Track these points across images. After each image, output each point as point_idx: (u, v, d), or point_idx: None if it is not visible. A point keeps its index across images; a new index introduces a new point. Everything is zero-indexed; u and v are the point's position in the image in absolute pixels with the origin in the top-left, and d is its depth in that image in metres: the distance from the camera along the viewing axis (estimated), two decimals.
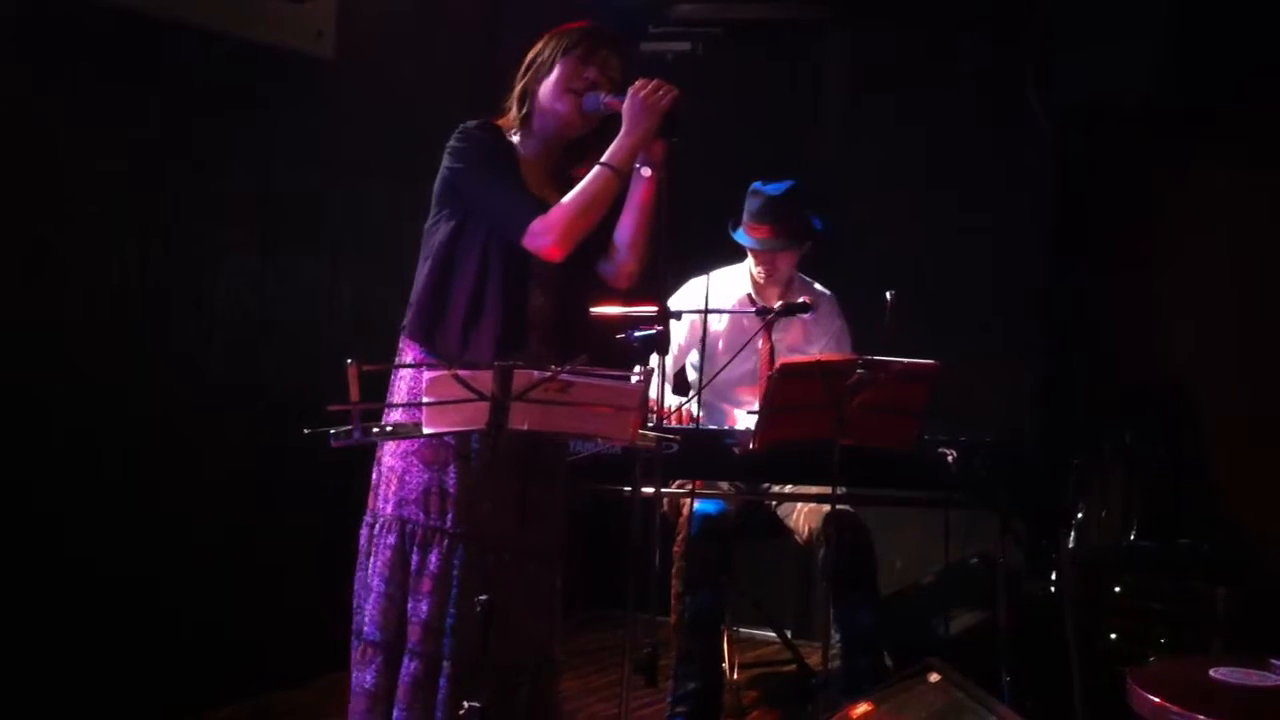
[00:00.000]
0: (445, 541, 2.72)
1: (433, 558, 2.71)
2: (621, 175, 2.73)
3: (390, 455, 2.79)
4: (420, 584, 2.71)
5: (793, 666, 4.55)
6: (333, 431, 2.28)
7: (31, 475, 3.43)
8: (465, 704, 2.46)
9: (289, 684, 4.08)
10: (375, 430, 2.37)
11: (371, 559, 2.79)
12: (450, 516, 2.73)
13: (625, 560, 2.86)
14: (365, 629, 2.76)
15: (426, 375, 2.40)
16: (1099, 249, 4.87)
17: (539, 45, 2.87)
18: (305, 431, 2.27)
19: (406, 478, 2.75)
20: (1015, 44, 4.71)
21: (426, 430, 2.41)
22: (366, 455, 2.81)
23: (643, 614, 2.97)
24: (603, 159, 2.72)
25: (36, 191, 3.43)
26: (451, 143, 2.80)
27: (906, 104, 4.99)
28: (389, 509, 2.77)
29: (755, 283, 4.07)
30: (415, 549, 2.73)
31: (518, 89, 2.86)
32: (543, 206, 2.73)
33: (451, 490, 2.73)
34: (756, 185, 4.00)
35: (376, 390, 2.73)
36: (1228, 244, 4.59)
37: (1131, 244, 4.78)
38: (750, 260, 4.07)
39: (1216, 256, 4.61)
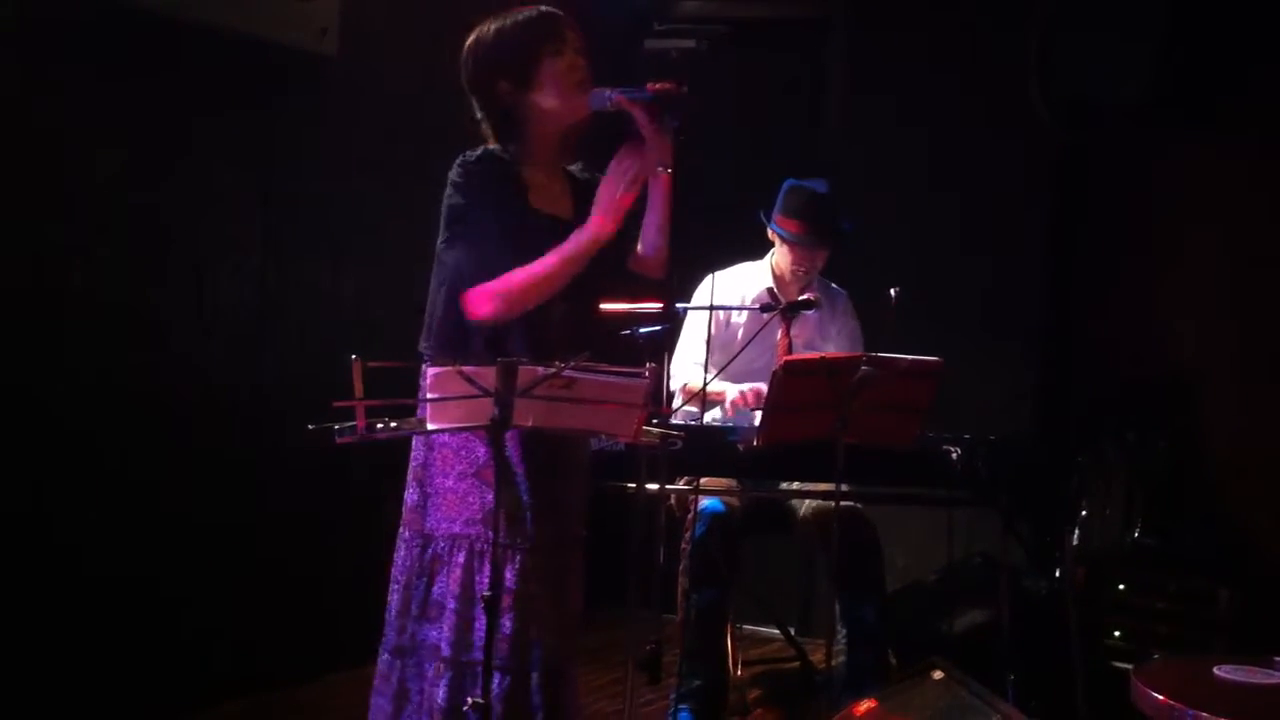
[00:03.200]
0: (518, 557, 2.72)
1: (508, 574, 2.71)
2: (579, 260, 2.70)
3: (447, 477, 2.78)
4: (500, 601, 2.70)
5: (796, 664, 4.54)
6: (336, 428, 2.27)
7: (32, 474, 3.43)
8: (469, 699, 2.47)
9: (292, 681, 4.08)
10: (379, 426, 2.36)
11: (433, 579, 2.77)
12: (517, 532, 2.73)
13: (629, 557, 2.86)
14: (441, 648, 2.73)
15: (431, 372, 2.39)
16: (1099, 245, 4.87)
17: (483, 48, 2.79)
18: (309, 428, 2.26)
19: (470, 498, 2.75)
20: (1015, 40, 4.71)
21: (430, 427, 2.41)
22: (370, 452, 2.80)
23: (646, 611, 2.96)
24: (561, 250, 2.68)
25: (37, 190, 3.43)
26: (453, 175, 2.75)
27: (908, 101, 4.99)
28: (456, 528, 2.75)
29: (778, 278, 4.12)
30: (485, 566, 2.71)
31: (496, 105, 2.79)
32: (552, 223, 2.72)
33: (510, 507, 2.72)
34: (797, 182, 4.04)
35: (380, 387, 2.73)
36: (1228, 239, 4.58)
37: (1132, 239, 4.78)
38: (777, 255, 4.12)
39: (1217, 251, 4.61)
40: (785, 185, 4.08)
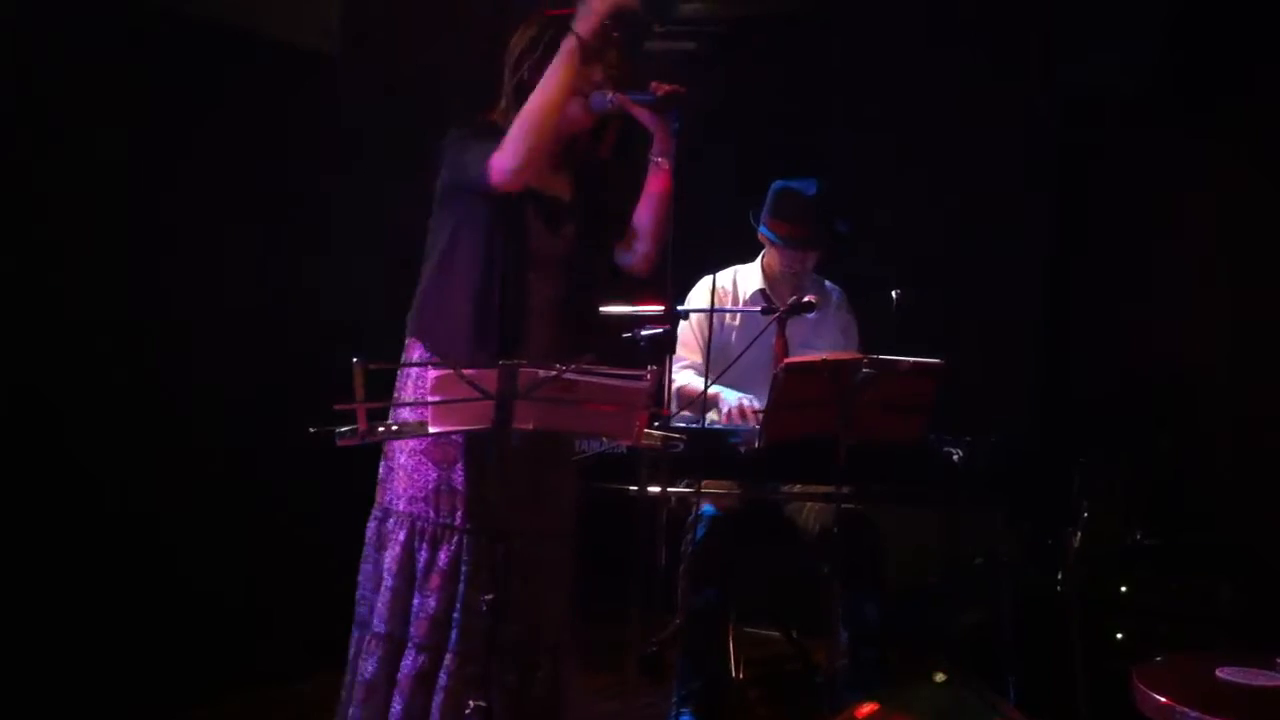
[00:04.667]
0: (455, 538, 2.74)
1: (442, 554, 2.74)
2: (570, 68, 2.68)
3: (401, 453, 2.81)
4: (429, 580, 2.74)
5: (798, 665, 4.54)
6: (338, 430, 2.28)
7: (35, 473, 3.43)
8: (471, 703, 2.47)
9: (291, 678, 4.08)
10: (381, 429, 2.36)
11: (383, 553, 2.81)
12: (460, 513, 2.75)
13: (631, 558, 2.86)
14: (373, 621, 2.78)
15: (432, 374, 2.40)
16: (1099, 245, 4.86)
17: (528, 34, 2.83)
18: (311, 430, 2.26)
19: (416, 475, 2.78)
20: (1018, 38, 4.70)
21: (432, 429, 2.42)
22: (368, 452, 2.81)
23: (648, 612, 2.97)
24: (553, 69, 2.67)
25: (39, 190, 3.43)
26: (446, 142, 2.80)
27: (909, 100, 4.98)
28: (400, 505, 2.79)
29: (769, 279, 4.11)
30: (424, 545, 2.75)
31: (512, 84, 2.83)
32: (543, 201, 2.72)
33: (460, 487, 2.75)
34: (785, 183, 4.03)
35: (382, 389, 2.73)
36: (1228, 238, 4.57)
37: (1132, 239, 4.77)
38: (767, 257, 4.11)
39: (1217, 251, 4.60)
40: (774, 187, 4.06)
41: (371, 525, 2.87)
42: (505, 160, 2.66)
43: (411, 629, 2.74)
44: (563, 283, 2.83)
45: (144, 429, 3.68)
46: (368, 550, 2.86)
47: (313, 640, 4.10)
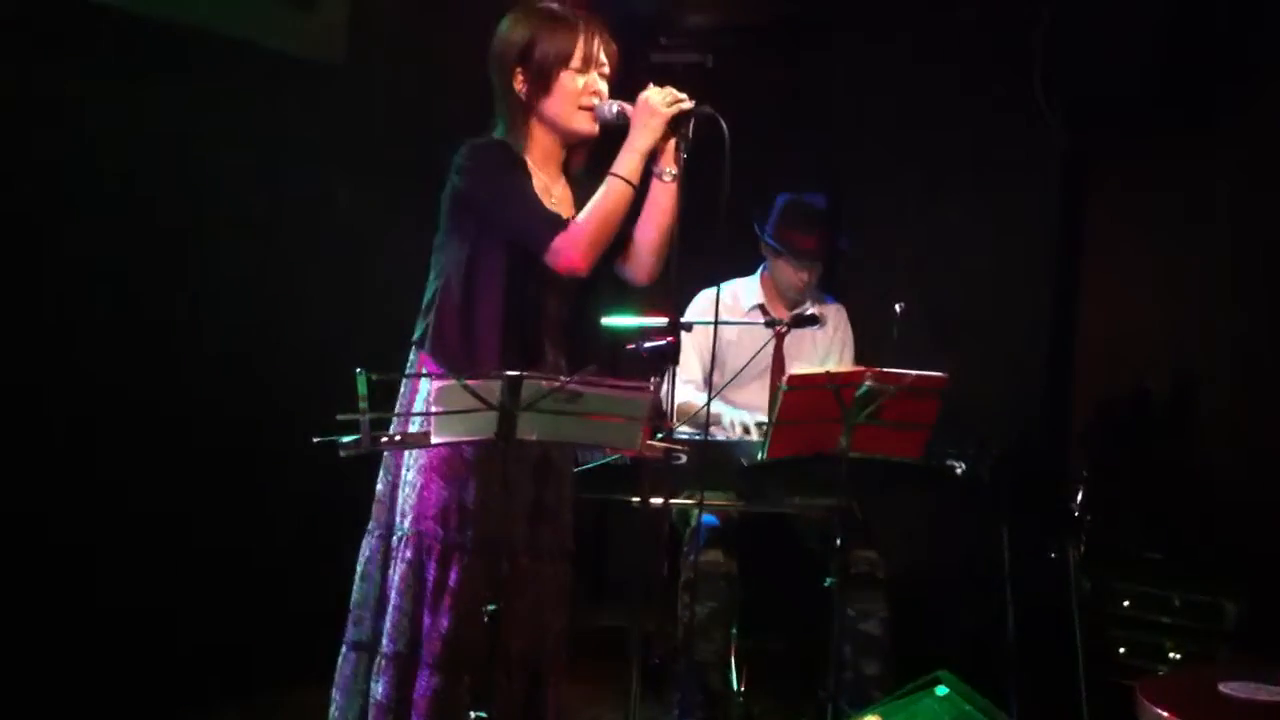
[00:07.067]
0: (465, 558, 2.70)
1: (452, 574, 2.70)
2: (634, 185, 2.72)
3: (408, 469, 2.77)
4: (441, 600, 2.69)
5: (800, 676, 4.53)
6: (342, 440, 2.27)
7: (32, 478, 3.44)
8: (473, 714, 2.46)
9: (293, 685, 4.07)
10: (384, 439, 2.36)
11: (390, 572, 2.76)
12: (470, 533, 2.71)
13: (632, 570, 2.86)
14: (383, 642, 2.73)
15: (435, 385, 2.39)
16: (1099, 245, 4.85)
17: (513, 41, 2.78)
18: (314, 440, 2.26)
19: (425, 493, 2.73)
20: (1018, 38, 4.69)
21: (435, 440, 2.40)
22: (369, 461, 2.80)
23: (649, 623, 2.96)
24: (613, 170, 2.71)
25: (39, 192, 3.44)
26: (461, 160, 2.75)
27: (912, 107, 4.98)
28: (407, 523, 2.74)
29: (768, 293, 4.11)
30: (433, 564, 2.71)
31: (509, 102, 2.80)
32: (559, 219, 2.71)
33: (470, 506, 2.71)
34: (791, 196, 4.03)
35: (383, 399, 2.72)
36: (1230, 238, 4.56)
37: (1133, 238, 4.76)
38: (770, 269, 4.11)
39: (1217, 252, 4.58)
40: (781, 200, 4.07)
41: (370, 543, 2.81)
42: (576, 259, 2.69)
43: (424, 650, 2.69)
44: (570, 303, 2.83)
45: (140, 434, 3.68)
46: (366, 569, 2.80)
47: (303, 652, 4.10)
